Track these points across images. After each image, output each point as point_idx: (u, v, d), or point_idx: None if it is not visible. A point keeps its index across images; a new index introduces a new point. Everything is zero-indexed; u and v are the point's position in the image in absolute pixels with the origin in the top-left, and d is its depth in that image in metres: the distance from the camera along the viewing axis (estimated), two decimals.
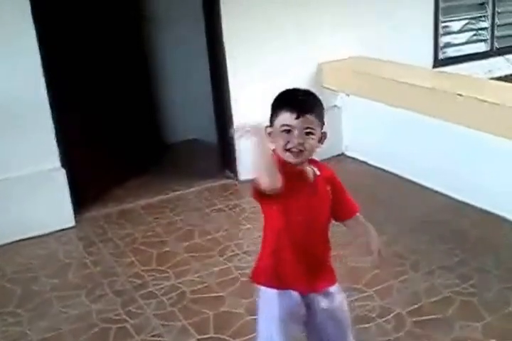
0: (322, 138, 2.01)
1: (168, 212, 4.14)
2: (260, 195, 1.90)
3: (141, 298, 3.13)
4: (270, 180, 1.83)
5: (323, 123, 2.00)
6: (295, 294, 2.10)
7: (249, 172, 4.40)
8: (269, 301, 2.13)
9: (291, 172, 1.94)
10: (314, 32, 4.69)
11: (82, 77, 4.11)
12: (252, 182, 1.88)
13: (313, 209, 2.06)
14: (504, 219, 3.67)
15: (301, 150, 1.95)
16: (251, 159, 1.91)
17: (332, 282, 2.17)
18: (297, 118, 1.92)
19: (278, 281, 2.10)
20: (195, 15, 4.63)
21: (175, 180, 4.65)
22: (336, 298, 2.16)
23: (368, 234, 2.19)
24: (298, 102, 1.97)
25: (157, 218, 4.05)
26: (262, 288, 2.14)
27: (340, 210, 2.11)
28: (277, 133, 1.96)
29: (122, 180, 4.58)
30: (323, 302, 2.13)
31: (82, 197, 4.08)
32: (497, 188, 3.69)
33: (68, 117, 3.92)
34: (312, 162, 2.07)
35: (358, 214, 2.18)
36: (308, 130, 1.93)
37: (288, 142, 1.93)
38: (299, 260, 2.07)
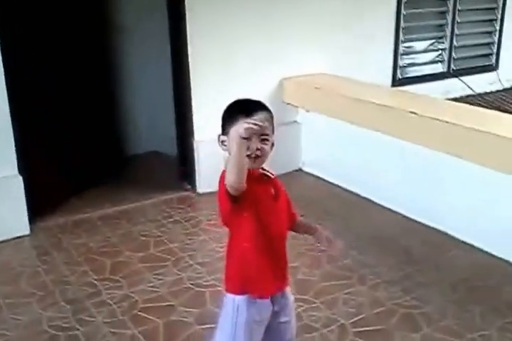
0: (272, 146, 2.14)
1: (124, 223, 4.23)
2: (230, 202, 2.02)
3: (93, 306, 3.21)
4: (236, 177, 1.94)
5: (274, 132, 2.14)
6: (265, 301, 2.20)
7: (208, 185, 4.57)
8: (238, 309, 2.18)
9: (252, 177, 2.05)
10: (279, 47, 4.85)
11: (44, 86, 4.21)
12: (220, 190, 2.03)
13: (279, 211, 2.18)
14: (450, 237, 3.84)
15: (258, 156, 2.07)
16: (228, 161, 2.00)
17: (288, 281, 2.30)
18: (255, 125, 2.02)
19: (247, 288, 2.18)
20: (162, 29, 4.72)
21: (133, 191, 4.75)
22: (290, 296, 2.30)
23: (314, 228, 2.33)
24: (255, 110, 2.10)
25: (113, 228, 4.14)
26: (230, 295, 2.21)
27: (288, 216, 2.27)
28: (234, 140, 2.04)
29: (79, 191, 4.66)
30: (282, 302, 2.25)
31: (39, 205, 4.14)
32: (445, 207, 3.87)
33: (28, 125, 4.00)
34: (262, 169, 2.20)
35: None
36: (264, 136, 2.07)
37: (247, 148, 2.05)
38: (268, 265, 2.16)
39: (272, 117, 2.14)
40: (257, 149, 2.06)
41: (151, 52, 5.25)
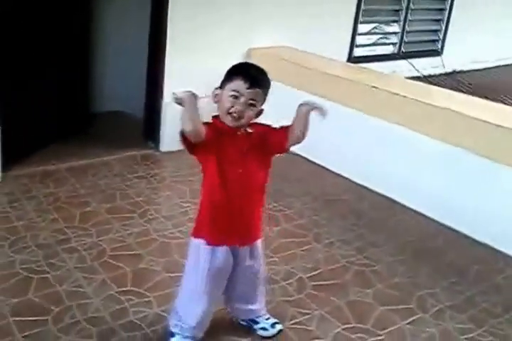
0: (259, 113, 2.18)
1: (90, 176, 4.15)
2: (190, 144, 2.09)
3: (64, 252, 3.15)
4: (192, 126, 2.02)
5: (264, 102, 2.16)
6: (226, 250, 2.25)
7: (171, 144, 4.54)
8: (201, 255, 2.26)
9: (224, 129, 2.13)
10: (249, 20, 4.84)
11: (19, 41, 4.04)
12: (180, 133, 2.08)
13: (248, 164, 2.20)
14: (397, 203, 3.93)
15: (240, 117, 2.11)
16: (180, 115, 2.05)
17: (259, 236, 2.36)
18: (248, 88, 2.09)
19: (212, 234, 2.24)
20: None
21: (98, 147, 4.64)
22: (258, 251, 2.36)
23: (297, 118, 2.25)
24: (253, 75, 2.14)
25: (80, 180, 4.05)
26: (196, 241, 2.28)
27: (278, 139, 2.23)
28: (225, 96, 2.12)
29: (46, 143, 4.54)
30: (248, 256, 2.32)
31: (10, 155, 4.02)
32: (395, 175, 3.94)
33: (3, 77, 3.85)
34: (250, 124, 2.20)
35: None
36: (251, 101, 2.10)
37: (232, 106, 2.09)
38: (223, 216, 2.21)
39: (267, 89, 2.18)
40: (240, 111, 2.10)
41: (131, 15, 5.08)
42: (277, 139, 2.22)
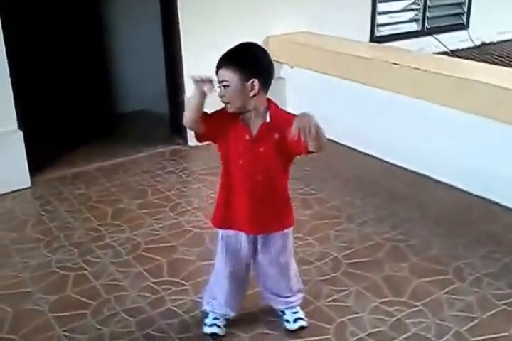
0: (248, 88, 2.09)
1: (121, 174, 4.24)
2: (196, 134, 2.18)
3: (98, 249, 3.24)
4: (185, 118, 2.10)
5: (251, 75, 2.08)
6: (240, 235, 2.29)
7: None
8: (219, 241, 2.35)
9: (230, 119, 2.15)
10: (265, 7, 4.87)
11: (41, 44, 4.17)
12: None
13: (257, 155, 2.17)
14: (430, 179, 3.93)
15: (226, 102, 2.13)
16: None
17: (277, 229, 2.33)
18: (217, 71, 2.11)
19: (225, 221, 2.30)
20: None
21: (126, 146, 4.74)
22: (279, 244, 2.34)
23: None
24: (221, 59, 2.13)
25: (110, 179, 4.15)
26: (217, 229, 2.35)
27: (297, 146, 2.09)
28: None
29: (74, 146, 4.66)
30: (265, 246, 2.33)
31: (38, 160, 4.13)
32: (425, 150, 3.94)
33: (26, 82, 3.98)
34: (273, 108, 2.18)
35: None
36: (223, 83, 2.10)
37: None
38: (244, 202, 2.23)
39: (246, 62, 2.10)
40: (220, 97, 2.11)
41: (142, 12, 5.17)
42: (296, 143, 2.05)
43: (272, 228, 2.31)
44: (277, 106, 2.22)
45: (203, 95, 2.06)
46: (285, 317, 2.54)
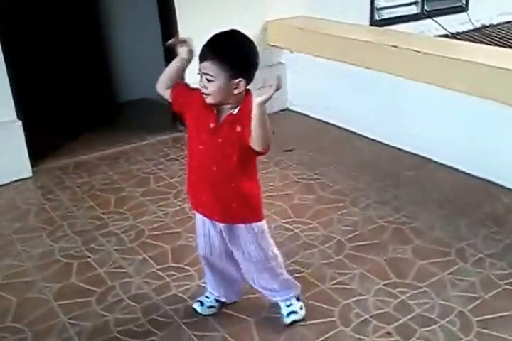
0: (233, 86, 2.00)
1: (123, 162, 4.25)
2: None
3: (102, 236, 3.25)
4: (160, 78, 2.20)
5: (238, 74, 1.98)
6: (206, 220, 2.29)
7: None
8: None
9: (201, 107, 2.07)
10: None
11: (38, 34, 4.15)
12: None
13: (217, 144, 2.07)
14: (432, 161, 3.93)
15: (205, 94, 2.02)
16: None
17: (243, 221, 2.24)
18: (200, 62, 2.01)
19: (193, 202, 2.33)
20: None
21: (128, 134, 4.75)
22: (246, 238, 2.26)
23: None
24: (207, 49, 2.00)
25: (113, 167, 4.15)
26: None
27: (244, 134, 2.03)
28: None
29: (75, 134, 4.66)
30: (232, 237, 2.29)
31: (38, 149, 4.13)
32: (427, 133, 3.93)
33: (24, 71, 3.97)
34: (247, 101, 2.03)
35: None
36: (207, 76, 1.99)
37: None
38: (203, 187, 2.18)
39: (230, 56, 1.99)
40: (201, 87, 2.02)
41: (140, 2, 5.17)
42: (244, 134, 2.00)
43: (234, 219, 2.22)
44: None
45: (180, 60, 2.10)
46: (280, 310, 2.48)
